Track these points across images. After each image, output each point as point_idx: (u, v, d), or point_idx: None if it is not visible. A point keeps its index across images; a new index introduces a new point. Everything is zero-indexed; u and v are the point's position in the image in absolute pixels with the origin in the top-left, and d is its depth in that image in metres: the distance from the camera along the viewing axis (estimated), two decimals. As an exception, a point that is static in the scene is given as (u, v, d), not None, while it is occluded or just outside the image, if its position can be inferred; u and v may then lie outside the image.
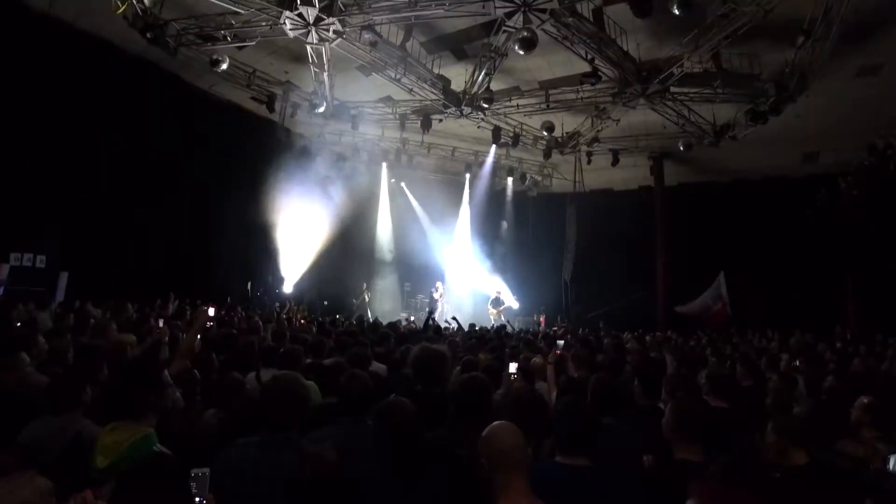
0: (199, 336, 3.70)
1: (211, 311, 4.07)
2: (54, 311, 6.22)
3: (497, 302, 15.61)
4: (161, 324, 4.75)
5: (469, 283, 16.62)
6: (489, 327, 10.40)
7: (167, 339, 4.30)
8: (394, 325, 8.42)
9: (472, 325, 9.90)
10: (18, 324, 5.09)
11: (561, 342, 4.80)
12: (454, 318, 9.90)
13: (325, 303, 14.49)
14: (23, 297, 7.13)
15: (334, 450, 2.13)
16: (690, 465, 2.10)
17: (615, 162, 14.07)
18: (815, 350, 7.10)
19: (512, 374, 3.64)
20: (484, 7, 8.55)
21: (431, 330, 7.60)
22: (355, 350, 4.06)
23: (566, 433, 2.08)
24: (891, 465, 2.12)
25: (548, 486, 1.76)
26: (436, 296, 15.21)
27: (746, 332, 10.39)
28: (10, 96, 8.44)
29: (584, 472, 1.99)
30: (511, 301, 16.03)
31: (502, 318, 13.66)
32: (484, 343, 6.31)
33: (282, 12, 8.91)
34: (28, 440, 2.32)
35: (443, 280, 15.95)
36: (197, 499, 1.64)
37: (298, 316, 10.68)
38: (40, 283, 8.80)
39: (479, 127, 13.17)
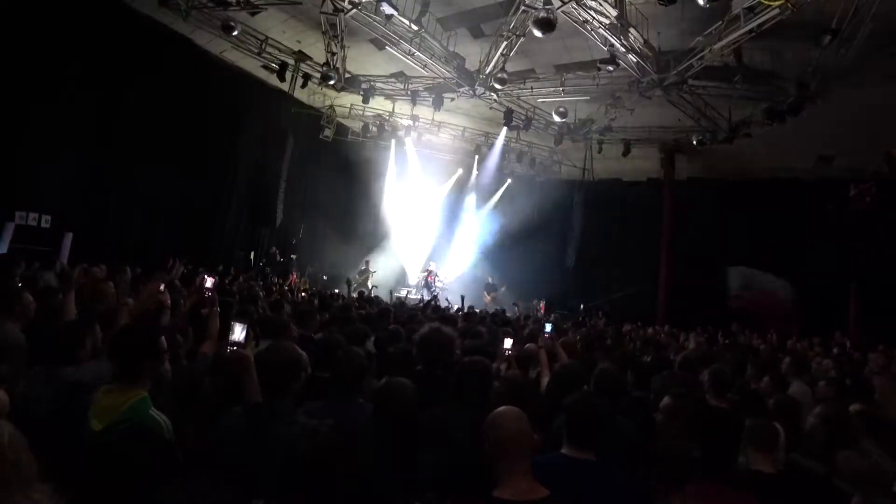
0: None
1: (209, 283, 4.03)
2: (58, 270, 6.20)
3: (491, 287, 15.50)
4: (162, 288, 4.72)
5: (466, 265, 16.57)
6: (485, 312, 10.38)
7: (168, 303, 4.29)
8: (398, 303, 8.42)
9: (471, 308, 9.89)
10: (20, 283, 5.05)
11: (548, 326, 4.55)
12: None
13: (325, 277, 14.51)
14: (27, 256, 7.11)
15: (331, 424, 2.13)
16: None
17: (626, 152, 13.89)
18: (807, 356, 7.00)
19: (506, 350, 3.61)
20: (505, -15, 8.36)
21: (430, 309, 7.60)
22: (353, 326, 4.05)
23: (579, 428, 2.08)
24: None
25: (556, 478, 1.76)
26: (430, 279, 15.05)
27: (745, 332, 10.37)
28: (17, 53, 8.27)
29: (591, 466, 2.01)
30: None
31: (501, 304, 13.61)
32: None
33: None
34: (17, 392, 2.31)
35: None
36: None
37: (300, 288, 10.70)
38: (45, 243, 8.80)
39: (490, 108, 12.99)
